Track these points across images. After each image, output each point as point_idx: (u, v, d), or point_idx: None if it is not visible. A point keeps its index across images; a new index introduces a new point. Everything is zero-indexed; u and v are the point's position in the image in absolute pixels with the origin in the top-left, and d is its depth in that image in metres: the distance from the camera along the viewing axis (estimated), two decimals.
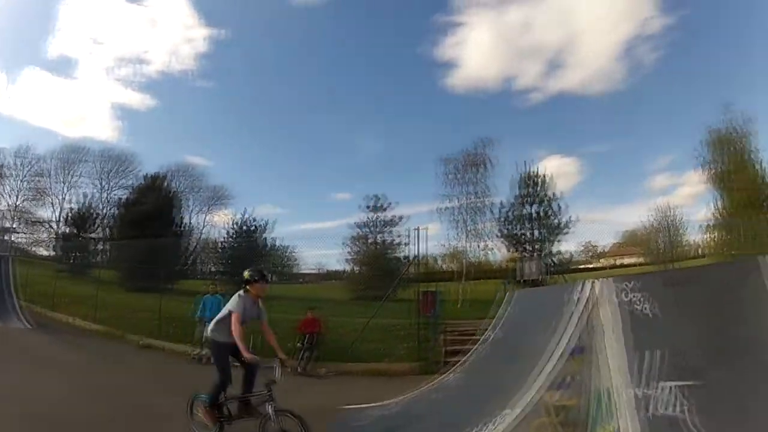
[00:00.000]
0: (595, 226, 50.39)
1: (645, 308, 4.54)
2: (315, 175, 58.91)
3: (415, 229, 14.83)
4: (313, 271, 32.05)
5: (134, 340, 14.49)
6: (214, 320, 6.22)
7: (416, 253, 15.04)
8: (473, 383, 7.45)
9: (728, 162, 31.93)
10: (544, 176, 28.81)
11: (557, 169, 61.10)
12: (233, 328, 5.76)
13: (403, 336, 13.95)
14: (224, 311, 6.09)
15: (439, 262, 32.32)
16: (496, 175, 30.04)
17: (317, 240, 31.74)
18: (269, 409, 5.46)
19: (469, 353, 8.15)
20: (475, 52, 54.24)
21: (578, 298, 5.03)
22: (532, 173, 28.86)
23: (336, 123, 58.27)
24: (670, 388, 4.08)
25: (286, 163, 61.63)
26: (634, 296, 4.64)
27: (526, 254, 25.85)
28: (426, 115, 57.02)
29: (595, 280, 4.89)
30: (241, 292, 6.12)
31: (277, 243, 30.35)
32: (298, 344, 12.41)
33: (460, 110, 55.90)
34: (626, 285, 4.73)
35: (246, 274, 6.22)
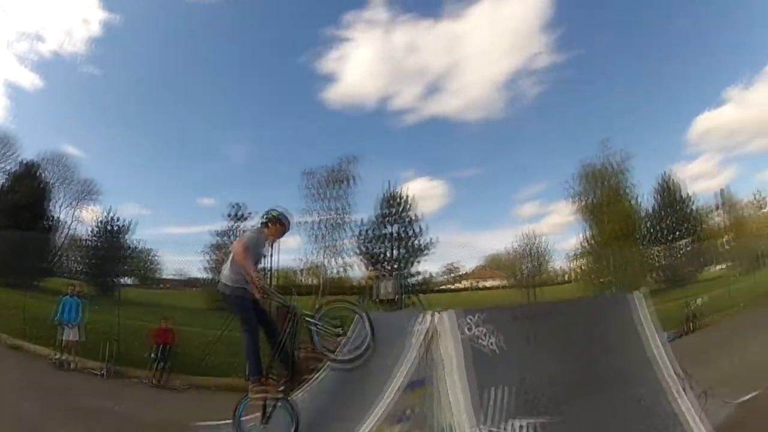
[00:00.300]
0: (459, 249, 52.40)
1: (491, 343, 4.28)
2: (182, 177, 55.99)
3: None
4: (174, 277, 29.96)
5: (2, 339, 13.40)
6: (226, 265, 5.51)
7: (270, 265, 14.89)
8: (318, 407, 6.77)
9: (602, 195, 33.99)
10: (407, 197, 29.36)
11: (425, 191, 63.31)
12: (240, 257, 5.08)
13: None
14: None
15: (300, 276, 31.28)
16: (362, 193, 29.62)
17: (180, 246, 30.88)
18: None
19: (317, 375, 7.56)
20: (357, 68, 54.58)
21: (418, 330, 4.61)
22: (395, 193, 29.26)
23: (207, 125, 55.71)
24: (521, 425, 3.89)
25: (155, 163, 58.01)
26: (478, 330, 4.34)
27: (384, 273, 25.83)
28: (298, 127, 56.31)
29: (437, 312, 4.49)
30: (259, 226, 5.68)
31: (140, 245, 28.74)
32: (152, 355, 12.07)
33: (332, 125, 56.02)
34: (470, 319, 4.41)
35: (274, 212, 5.66)
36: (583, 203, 34.80)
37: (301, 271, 30.73)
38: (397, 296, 17.33)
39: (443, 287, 41.81)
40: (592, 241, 34.18)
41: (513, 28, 58.27)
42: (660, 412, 3.92)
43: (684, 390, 4.60)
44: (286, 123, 56.84)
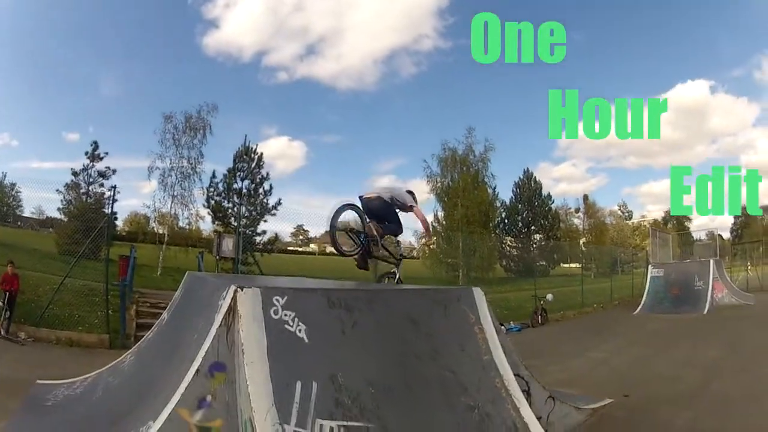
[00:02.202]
0: (311, 210, 53.23)
1: (299, 330, 3.60)
2: (51, 109, 50.89)
3: (112, 188, 14.22)
4: (33, 216, 29.46)
5: None
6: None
7: (111, 211, 14.60)
8: (139, 374, 6.04)
9: (459, 179, 34.90)
10: (261, 153, 28.76)
11: (285, 151, 64.09)
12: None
13: (98, 302, 12.75)
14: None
15: (152, 224, 29.86)
16: (222, 145, 29.17)
17: (41, 183, 26.33)
18: None
19: (146, 335, 6.80)
20: (241, 17, 52.90)
21: (221, 305, 3.72)
22: (249, 148, 28.52)
23: (80, 57, 50.80)
24: (331, 427, 3.37)
25: (24, 92, 52.01)
26: (286, 314, 3.58)
27: (230, 228, 24.93)
28: (169, 68, 53.41)
29: (239, 289, 3.58)
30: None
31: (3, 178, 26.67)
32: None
33: (204, 71, 53.78)
34: (277, 300, 3.59)
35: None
36: (439, 184, 35.54)
37: (153, 219, 29.36)
38: (237, 255, 16.29)
39: (291, 249, 42.64)
40: (444, 223, 35.12)
41: (406, 6, 58.74)
42: (497, 421, 3.35)
43: (528, 395, 4.26)
44: (159, 62, 53.71)
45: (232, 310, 3.53)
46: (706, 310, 17.62)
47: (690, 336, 12.92)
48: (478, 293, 3.71)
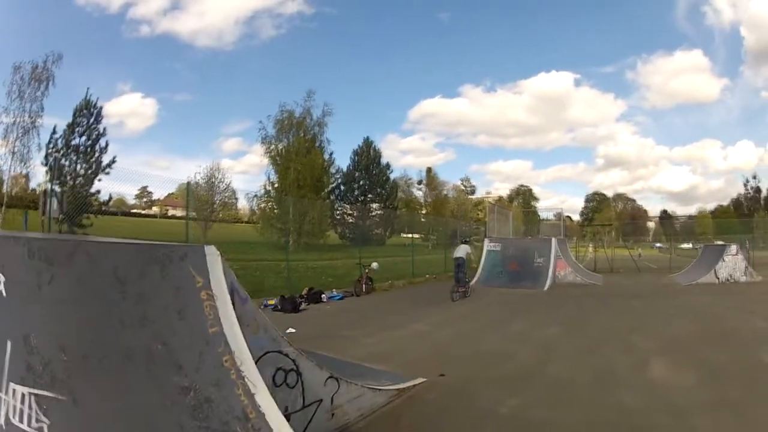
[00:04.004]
0: (156, 172, 50.30)
1: None
2: None
3: None
4: None
5: None
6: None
7: None
8: None
9: (296, 143, 34.04)
10: (101, 108, 27.56)
11: (136, 108, 59.94)
12: None
13: None
14: None
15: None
16: (76, 99, 27.23)
17: None
18: None
19: None
20: None
21: None
22: (90, 102, 27.15)
23: None
24: (23, 394, 3.00)
25: None
26: None
27: (65, 188, 23.73)
28: (31, 17, 47.61)
29: None
30: None
31: None
32: None
33: (66, 17, 48.60)
34: None
35: None
36: (273, 147, 34.48)
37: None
38: (62, 215, 15.16)
39: (134, 211, 41.75)
40: (277, 186, 34.22)
41: None
42: (222, 408, 2.67)
43: (298, 375, 3.70)
44: (22, 8, 50.07)
45: None
46: (547, 287, 17.32)
47: (527, 311, 12.04)
48: (212, 252, 2.90)
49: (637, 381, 5.82)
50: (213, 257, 2.85)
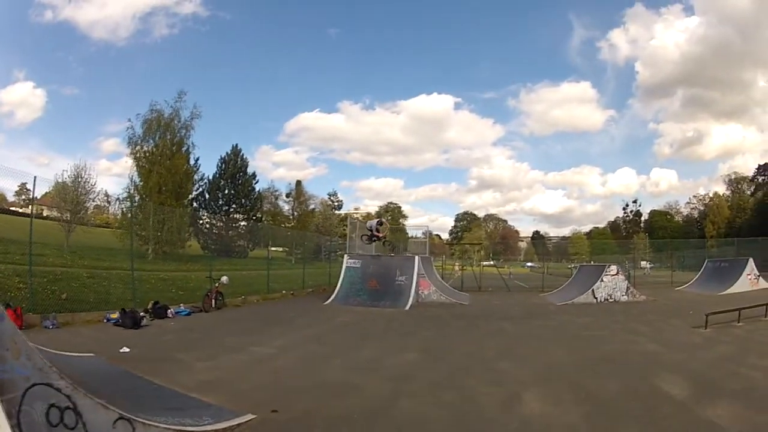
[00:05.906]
0: (37, 170, 47.49)
1: None
2: None
3: None
4: None
5: None
6: None
7: None
8: None
9: (161, 146, 32.19)
10: None
11: (25, 98, 65.02)
12: None
13: None
14: None
15: None
16: None
17: None
18: None
19: None
20: None
21: None
22: None
23: None
24: None
25: None
26: None
27: None
28: None
29: None
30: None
31: None
32: None
33: None
34: None
35: None
36: (138, 148, 32.27)
37: None
38: None
39: (13, 210, 40.12)
40: (140, 190, 32.04)
41: None
42: None
43: (77, 414, 3.10)
44: None
45: None
46: (408, 306, 16.81)
47: (383, 334, 11.26)
48: None
49: (507, 420, 4.99)
50: None
